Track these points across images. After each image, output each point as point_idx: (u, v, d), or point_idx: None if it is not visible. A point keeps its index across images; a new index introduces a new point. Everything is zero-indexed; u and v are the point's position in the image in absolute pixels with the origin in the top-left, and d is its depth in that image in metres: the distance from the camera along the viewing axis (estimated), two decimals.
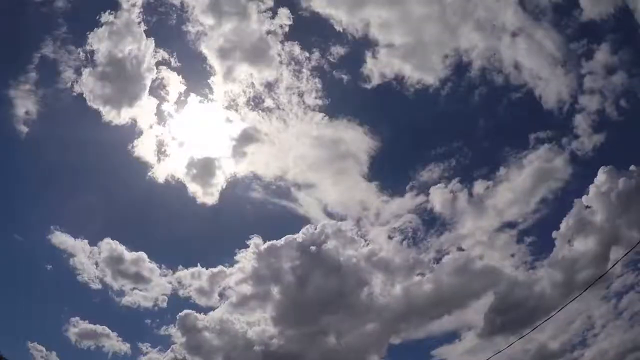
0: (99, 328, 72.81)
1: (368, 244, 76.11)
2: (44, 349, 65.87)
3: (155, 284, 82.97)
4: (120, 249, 76.80)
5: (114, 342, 75.25)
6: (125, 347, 76.81)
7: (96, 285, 76.48)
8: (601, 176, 56.19)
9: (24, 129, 65.48)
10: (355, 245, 79.09)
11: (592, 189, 56.74)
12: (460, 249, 67.87)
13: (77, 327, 70.05)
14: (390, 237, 73.55)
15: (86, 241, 71.68)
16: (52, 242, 71.30)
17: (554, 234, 55.07)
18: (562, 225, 55.67)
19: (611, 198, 56.64)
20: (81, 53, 58.53)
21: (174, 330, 75.45)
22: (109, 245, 76.54)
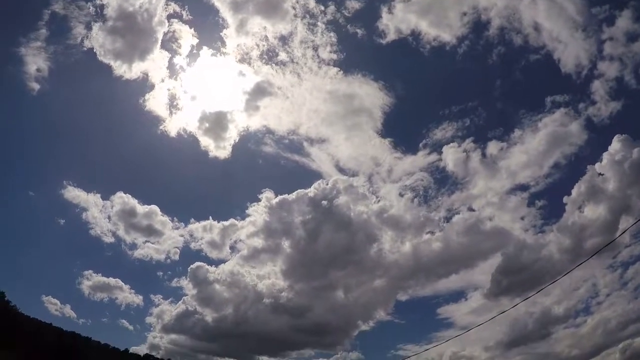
0: (112, 281, 74.96)
1: (379, 200, 76.44)
2: (58, 302, 67.87)
3: (167, 237, 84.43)
4: (133, 202, 77.84)
5: (126, 295, 77.37)
6: (137, 299, 79.10)
7: (109, 239, 77.95)
8: (616, 144, 55.60)
9: (36, 86, 65.56)
10: (366, 202, 79.42)
11: (605, 156, 56.27)
12: (470, 209, 68.39)
13: (90, 280, 72.00)
14: (401, 195, 73.92)
15: (99, 195, 72.93)
16: (64, 197, 72.65)
17: (565, 199, 55.38)
18: (574, 191, 55.80)
19: (624, 167, 56.12)
20: (91, 8, 57.93)
21: (185, 283, 77.20)
22: (122, 199, 77.63)
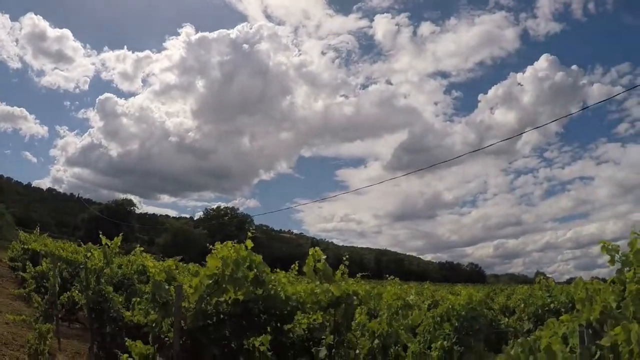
0: (16, 110, 74.22)
1: (300, 54, 79.17)
2: None
3: (77, 65, 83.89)
4: (44, 24, 76.47)
5: (31, 125, 77.42)
6: (42, 131, 78.63)
7: (15, 64, 76.41)
8: (543, 62, 59.50)
9: None
10: (287, 53, 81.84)
11: (530, 70, 60.63)
12: (388, 82, 71.89)
13: None
14: (323, 53, 76.79)
15: (7, 16, 70.92)
16: None
17: (481, 96, 58.94)
18: (491, 92, 59.25)
19: (544, 85, 60.28)
20: None
21: (92, 114, 77.07)
22: (32, 21, 76.90)
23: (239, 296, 4.90)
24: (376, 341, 5.34)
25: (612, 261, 3.67)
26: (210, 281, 4.93)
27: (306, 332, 5.37)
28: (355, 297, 5.05)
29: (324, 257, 5.12)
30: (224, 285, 4.92)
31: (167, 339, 5.26)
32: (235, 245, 4.86)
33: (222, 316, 4.89)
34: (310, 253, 5.22)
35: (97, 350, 9.52)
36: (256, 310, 4.83)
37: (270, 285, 4.85)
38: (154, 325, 5.41)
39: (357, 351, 5.41)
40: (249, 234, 5.04)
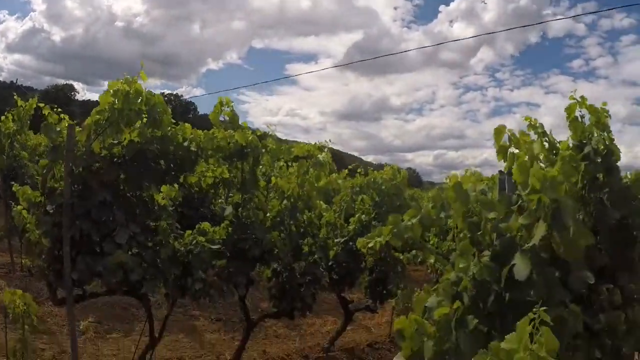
0: None
1: None
2: None
3: None
4: None
5: None
6: None
7: None
8: None
9: None
10: None
11: None
12: None
13: None
14: None
15: None
16: None
17: (442, 7, 59.76)
18: (453, 5, 60.33)
19: (508, 8, 61.40)
20: None
21: None
22: None
23: (134, 138, 4.44)
24: (285, 202, 5.06)
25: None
26: (100, 117, 4.43)
27: (212, 190, 5.04)
28: (264, 150, 4.68)
29: (232, 103, 4.67)
30: (117, 125, 4.43)
31: (57, 185, 4.81)
32: (129, 77, 4.31)
33: (115, 160, 4.45)
34: (218, 101, 4.76)
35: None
36: (151, 154, 4.39)
37: (169, 128, 4.40)
38: (44, 171, 4.94)
39: (268, 214, 5.15)
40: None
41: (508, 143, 2.72)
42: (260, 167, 4.96)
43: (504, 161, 2.66)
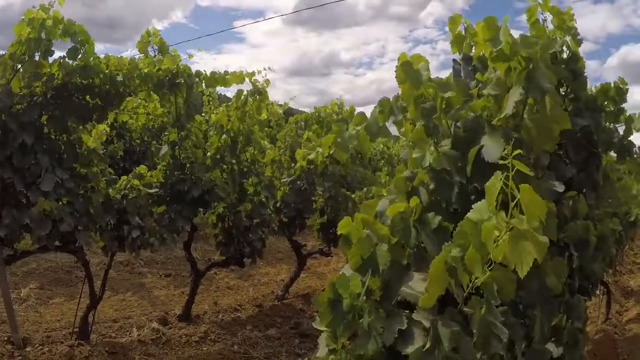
0: None
1: None
2: None
3: None
4: None
5: None
6: None
7: None
8: None
9: None
10: None
11: None
12: None
13: None
14: None
15: None
16: None
17: None
18: None
19: None
20: None
21: None
22: None
23: (54, 71, 3.91)
24: (224, 137, 4.66)
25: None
26: (15, 50, 3.88)
27: (153, 142, 4.57)
28: (197, 80, 4.23)
29: (160, 30, 4.17)
30: (35, 58, 3.89)
31: None
32: (45, 4, 3.76)
33: (36, 98, 3.91)
34: (145, 30, 4.25)
35: None
36: (74, 87, 3.87)
37: (92, 58, 3.88)
38: None
39: (207, 152, 4.74)
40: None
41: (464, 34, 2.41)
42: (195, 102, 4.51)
43: (459, 53, 2.36)
